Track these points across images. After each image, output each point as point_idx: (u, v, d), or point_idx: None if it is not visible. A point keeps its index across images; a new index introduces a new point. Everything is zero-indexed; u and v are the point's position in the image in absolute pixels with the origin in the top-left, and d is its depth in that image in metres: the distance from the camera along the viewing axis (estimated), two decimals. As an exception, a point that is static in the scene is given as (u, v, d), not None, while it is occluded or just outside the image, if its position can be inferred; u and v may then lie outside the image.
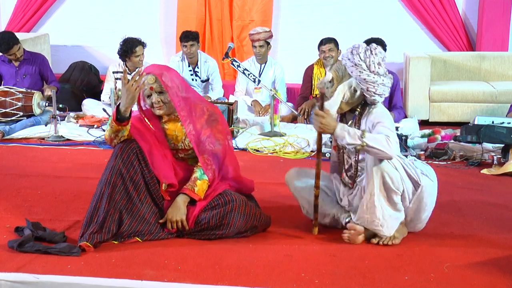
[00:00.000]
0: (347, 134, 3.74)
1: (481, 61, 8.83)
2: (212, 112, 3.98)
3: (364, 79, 3.82)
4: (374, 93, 3.88)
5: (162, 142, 3.93)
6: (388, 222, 3.77)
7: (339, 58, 4.09)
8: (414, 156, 6.05)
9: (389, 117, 4.04)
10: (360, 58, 3.85)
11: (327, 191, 4.14)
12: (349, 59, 3.90)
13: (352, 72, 3.89)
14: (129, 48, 7.59)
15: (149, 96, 3.87)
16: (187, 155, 4.02)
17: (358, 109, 4.04)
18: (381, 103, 4.08)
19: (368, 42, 6.86)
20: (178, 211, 3.80)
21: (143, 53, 7.71)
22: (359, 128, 3.96)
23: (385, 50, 7.15)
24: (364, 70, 3.83)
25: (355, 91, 3.90)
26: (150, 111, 3.95)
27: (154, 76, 3.82)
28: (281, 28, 9.68)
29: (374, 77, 3.83)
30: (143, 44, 7.72)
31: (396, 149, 3.83)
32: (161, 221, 3.84)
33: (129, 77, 3.73)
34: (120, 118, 3.74)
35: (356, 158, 3.99)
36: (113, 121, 3.74)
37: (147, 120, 3.94)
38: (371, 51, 3.88)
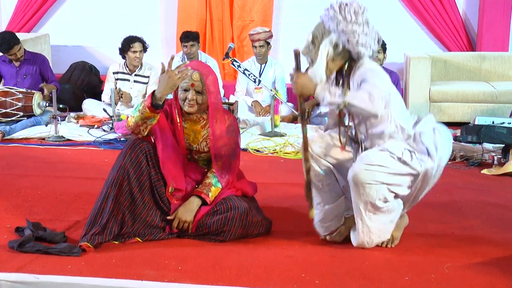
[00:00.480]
0: (328, 93, 3.69)
1: (481, 61, 8.85)
2: (232, 122, 3.98)
3: (343, 30, 3.76)
4: (357, 43, 3.80)
5: (180, 139, 3.93)
6: (383, 230, 3.77)
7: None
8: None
9: (377, 72, 3.92)
10: (335, 11, 3.80)
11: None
12: (325, 15, 3.89)
13: (330, 27, 3.85)
14: (127, 43, 7.64)
15: (186, 90, 3.82)
16: (200, 157, 4.02)
17: (345, 68, 3.95)
18: (370, 59, 3.98)
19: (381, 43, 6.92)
20: (190, 212, 3.81)
21: (141, 51, 7.74)
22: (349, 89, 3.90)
23: (385, 50, 7.16)
24: (341, 21, 3.77)
25: (337, 46, 3.83)
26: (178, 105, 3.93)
27: (200, 75, 3.80)
28: (281, 28, 9.71)
29: (352, 27, 3.77)
30: (143, 42, 7.76)
31: (380, 106, 3.67)
32: (169, 217, 3.83)
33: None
34: (155, 105, 3.67)
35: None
36: (146, 107, 3.66)
37: (176, 112, 3.92)
38: (346, 4, 3.83)
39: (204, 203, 3.83)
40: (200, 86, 3.80)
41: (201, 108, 3.87)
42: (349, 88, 3.89)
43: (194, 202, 3.82)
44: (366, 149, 3.85)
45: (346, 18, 3.77)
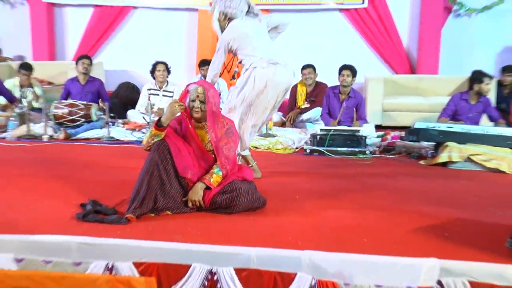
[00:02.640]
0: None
1: (419, 81, 8.97)
2: (230, 126, 3.98)
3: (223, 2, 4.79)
4: (229, 7, 4.81)
5: (192, 138, 3.93)
6: None
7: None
8: (372, 152, 6.11)
9: (230, 26, 4.88)
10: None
11: None
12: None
13: (216, 2, 4.82)
14: (154, 66, 7.90)
15: (193, 100, 3.88)
16: (209, 152, 4.00)
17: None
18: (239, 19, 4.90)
19: (349, 67, 6.96)
20: (196, 193, 3.82)
21: (164, 70, 7.87)
22: None
23: (355, 73, 7.12)
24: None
25: (222, 13, 4.85)
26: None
27: (204, 89, 3.87)
28: (273, 57, 9.71)
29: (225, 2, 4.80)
30: (165, 64, 7.88)
31: (214, 65, 5.09)
32: (184, 199, 3.86)
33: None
34: (160, 125, 3.78)
35: None
36: (153, 127, 3.78)
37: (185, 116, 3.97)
38: None
39: (207, 187, 3.85)
40: (203, 97, 3.87)
41: (204, 115, 3.90)
42: None
43: (198, 186, 3.84)
44: None
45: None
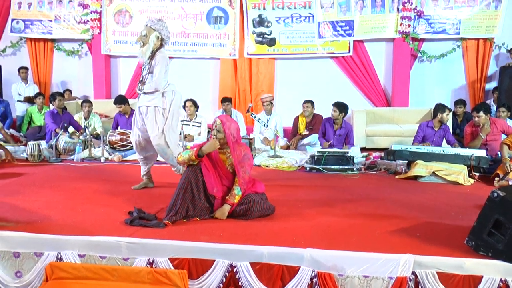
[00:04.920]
0: (137, 89, 4.66)
1: (394, 112, 8.90)
2: (246, 153, 3.91)
3: (160, 29, 4.62)
4: (164, 34, 4.66)
5: (216, 161, 3.87)
6: None
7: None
8: (358, 169, 6.06)
9: (162, 62, 4.62)
10: (152, 21, 4.68)
11: None
12: (152, 21, 4.69)
13: (155, 28, 4.63)
14: (184, 102, 7.76)
15: (213, 129, 3.86)
16: (232, 173, 3.95)
17: (154, 50, 4.66)
18: (164, 52, 4.71)
19: (336, 104, 6.89)
20: (223, 214, 3.79)
21: (192, 106, 7.82)
22: (151, 66, 4.65)
23: (342, 109, 7.03)
24: (158, 22, 4.66)
25: (157, 37, 4.63)
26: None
27: (221, 121, 3.84)
28: (279, 94, 9.73)
29: (163, 29, 4.66)
30: (192, 101, 7.86)
31: (161, 83, 4.62)
32: (212, 215, 3.81)
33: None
34: (200, 155, 3.74)
35: None
36: (194, 155, 3.73)
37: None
38: (159, 20, 4.72)
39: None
40: (219, 128, 3.83)
41: (220, 142, 3.84)
42: (153, 62, 4.64)
43: (225, 208, 3.80)
44: None
45: (162, 25, 4.67)
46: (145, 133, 4.82)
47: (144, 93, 4.72)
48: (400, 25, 9.05)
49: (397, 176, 5.75)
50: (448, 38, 9.15)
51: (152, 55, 4.71)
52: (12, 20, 10.13)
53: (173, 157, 4.82)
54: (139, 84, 4.80)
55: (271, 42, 9.57)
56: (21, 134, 8.40)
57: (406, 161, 5.89)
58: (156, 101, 4.71)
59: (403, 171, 5.85)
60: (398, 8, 9.06)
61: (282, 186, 5.16)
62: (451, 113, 7.55)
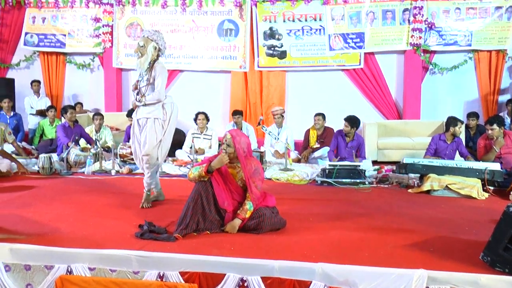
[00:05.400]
0: (137, 101, 4.67)
1: (405, 125, 8.86)
2: (257, 167, 3.90)
3: (157, 39, 4.63)
4: (161, 45, 4.66)
5: (226, 176, 3.87)
6: None
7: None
8: (370, 182, 6.03)
9: (163, 72, 4.64)
10: (149, 31, 4.68)
11: None
12: (149, 32, 4.68)
13: (153, 38, 4.63)
14: (196, 115, 7.81)
15: (223, 144, 3.87)
16: (242, 187, 3.94)
17: (152, 61, 4.66)
18: (162, 63, 4.72)
19: (348, 119, 6.87)
20: (234, 228, 3.78)
21: (204, 119, 7.79)
22: (150, 77, 4.65)
23: (354, 124, 6.99)
24: (155, 33, 4.67)
25: (155, 48, 4.64)
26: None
27: (231, 136, 3.84)
28: (290, 107, 9.74)
29: (159, 39, 4.67)
30: (204, 114, 7.83)
31: (162, 93, 4.62)
32: (222, 228, 3.80)
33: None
34: (209, 171, 3.75)
35: None
36: (203, 171, 3.73)
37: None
38: (156, 31, 4.73)
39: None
40: (229, 142, 3.83)
41: (230, 156, 3.84)
42: (152, 73, 4.64)
43: (236, 222, 3.79)
44: None
45: (159, 35, 4.68)
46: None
47: (145, 104, 4.70)
48: (411, 37, 9.06)
49: (409, 190, 5.70)
50: (459, 50, 9.14)
51: (151, 66, 4.72)
52: (26, 33, 10.30)
53: (157, 170, 4.93)
54: (138, 96, 4.77)
55: (282, 55, 9.61)
56: (33, 147, 8.49)
57: (419, 175, 5.84)
58: (157, 113, 4.70)
59: (416, 185, 5.80)
60: (409, 20, 9.08)
61: (293, 200, 5.14)
62: (463, 126, 7.50)
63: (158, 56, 4.75)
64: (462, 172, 5.58)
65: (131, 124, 7.72)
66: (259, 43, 9.63)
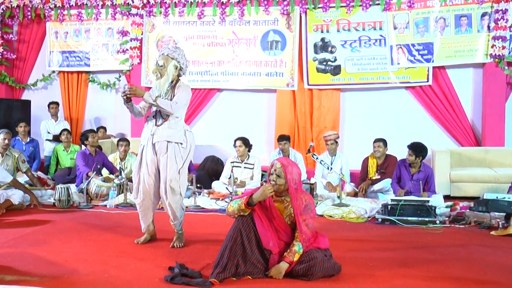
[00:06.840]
0: (148, 96, 4.55)
1: (485, 153, 8.74)
2: (308, 203, 3.89)
3: (178, 58, 4.74)
4: (183, 63, 4.77)
5: (272, 211, 3.86)
6: None
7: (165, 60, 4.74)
8: (441, 221, 5.89)
9: (187, 91, 4.75)
10: (169, 48, 4.79)
11: None
12: (169, 49, 4.78)
13: (174, 57, 4.72)
14: (235, 141, 7.91)
15: (271, 174, 3.88)
16: (290, 225, 3.92)
17: (174, 81, 4.77)
18: (186, 83, 4.85)
19: (412, 147, 6.82)
20: (279, 273, 3.74)
21: (241, 145, 7.87)
22: (173, 96, 4.72)
23: (419, 152, 6.93)
24: (179, 53, 4.76)
25: (176, 67, 4.73)
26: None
27: (281, 164, 3.85)
28: (345, 131, 9.69)
29: (181, 57, 4.78)
30: (242, 139, 7.93)
31: (178, 111, 4.68)
32: (267, 273, 3.76)
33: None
34: (250, 204, 3.76)
35: None
36: (243, 204, 3.75)
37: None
38: (177, 47, 4.84)
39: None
40: (280, 172, 3.83)
41: (280, 189, 3.84)
42: (174, 94, 4.73)
43: (282, 267, 3.75)
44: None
45: (180, 53, 4.79)
46: (156, 175, 4.77)
47: (157, 105, 4.62)
48: (492, 47, 8.92)
49: (492, 232, 5.53)
50: (553, 62, 8.93)
51: (172, 86, 4.78)
52: (51, 52, 10.76)
53: (182, 205, 4.88)
54: (154, 120, 4.76)
55: (336, 70, 9.64)
56: (49, 176, 8.69)
57: (504, 214, 5.67)
58: (179, 137, 4.74)
59: (500, 226, 5.62)
60: (489, 27, 8.95)
61: (349, 241, 5.08)
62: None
63: (179, 75, 4.85)
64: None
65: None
66: (308, 57, 9.71)
